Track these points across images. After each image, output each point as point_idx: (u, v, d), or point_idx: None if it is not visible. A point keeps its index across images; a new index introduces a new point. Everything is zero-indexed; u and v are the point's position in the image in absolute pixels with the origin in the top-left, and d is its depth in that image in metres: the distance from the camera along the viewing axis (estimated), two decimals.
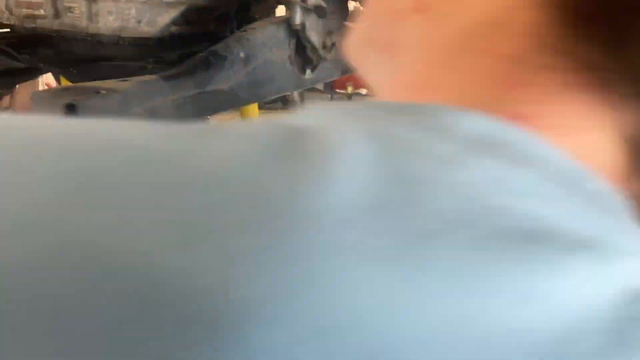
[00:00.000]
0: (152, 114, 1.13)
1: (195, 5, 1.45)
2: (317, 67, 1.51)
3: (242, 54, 1.30)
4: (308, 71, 1.49)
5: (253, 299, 0.15)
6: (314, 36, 1.39)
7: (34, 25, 1.59)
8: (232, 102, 1.29)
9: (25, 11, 1.61)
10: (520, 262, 0.18)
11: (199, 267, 0.16)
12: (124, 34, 1.45)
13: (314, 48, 1.41)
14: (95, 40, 1.50)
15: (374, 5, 0.31)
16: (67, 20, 1.53)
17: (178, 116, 1.19)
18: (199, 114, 1.25)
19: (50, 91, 0.99)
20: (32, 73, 1.69)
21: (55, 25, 1.56)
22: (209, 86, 1.23)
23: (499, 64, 0.25)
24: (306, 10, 1.32)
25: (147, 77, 1.20)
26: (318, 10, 1.30)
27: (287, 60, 1.42)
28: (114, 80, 1.12)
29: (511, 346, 0.17)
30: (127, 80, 1.12)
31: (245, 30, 1.35)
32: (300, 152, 0.19)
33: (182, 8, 1.43)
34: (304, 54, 1.44)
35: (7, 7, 1.63)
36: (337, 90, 8.78)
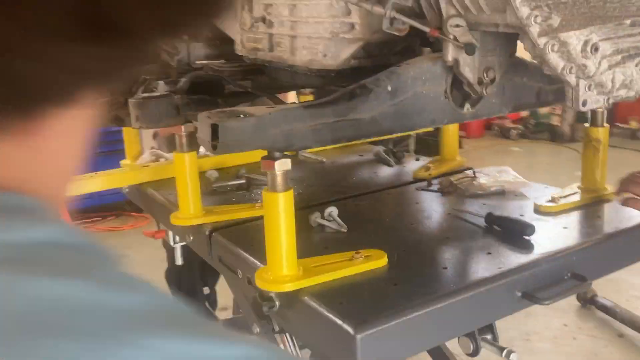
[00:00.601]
0: (288, 136, 1.29)
1: (376, 40, 1.58)
2: (479, 102, 1.51)
3: (389, 87, 1.39)
4: (467, 106, 1.50)
5: None
6: (468, 72, 1.40)
7: (255, 56, 1.90)
8: (373, 130, 1.38)
9: (252, 44, 1.93)
10: None
11: None
12: (311, 66, 1.66)
13: (469, 84, 1.42)
14: (292, 70, 1.74)
15: None
16: (276, 52, 1.80)
17: (314, 140, 1.33)
18: (336, 140, 1.37)
19: (204, 113, 1.22)
20: (248, 97, 2.00)
21: (268, 57, 1.83)
22: (349, 115, 1.35)
23: None
24: (458, 46, 1.35)
25: (289, 105, 1.37)
26: (467, 48, 1.32)
27: (442, 94, 1.45)
28: (257, 107, 1.31)
29: None
30: (272, 107, 1.30)
31: (399, 66, 1.43)
32: None
33: (360, 43, 1.57)
34: (462, 89, 1.46)
35: (241, 41, 1.97)
36: (619, 125, 7.89)
